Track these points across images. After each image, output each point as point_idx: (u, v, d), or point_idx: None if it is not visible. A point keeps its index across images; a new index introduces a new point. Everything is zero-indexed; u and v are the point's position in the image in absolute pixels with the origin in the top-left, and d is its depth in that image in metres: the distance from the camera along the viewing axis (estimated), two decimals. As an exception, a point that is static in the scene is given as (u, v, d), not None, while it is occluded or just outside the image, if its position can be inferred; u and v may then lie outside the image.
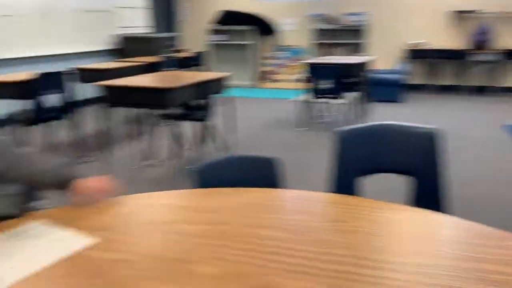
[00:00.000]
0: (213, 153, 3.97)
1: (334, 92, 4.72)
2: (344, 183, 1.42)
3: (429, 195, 1.33)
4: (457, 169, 3.68)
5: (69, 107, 3.78)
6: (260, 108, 6.44)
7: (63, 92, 3.65)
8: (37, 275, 0.89)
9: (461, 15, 7.29)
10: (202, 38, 8.86)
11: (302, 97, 5.04)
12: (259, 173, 1.38)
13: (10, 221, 1.13)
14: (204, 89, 3.52)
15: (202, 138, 3.55)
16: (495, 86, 7.19)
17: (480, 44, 7.02)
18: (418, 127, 1.40)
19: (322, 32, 8.07)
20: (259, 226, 1.10)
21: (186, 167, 3.52)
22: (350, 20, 7.83)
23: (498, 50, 6.97)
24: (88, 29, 6.55)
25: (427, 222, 1.13)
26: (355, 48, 7.94)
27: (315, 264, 0.93)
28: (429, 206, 1.23)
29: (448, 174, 3.59)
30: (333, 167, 1.42)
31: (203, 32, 8.81)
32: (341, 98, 4.77)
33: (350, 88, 5.06)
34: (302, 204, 1.24)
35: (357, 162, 1.41)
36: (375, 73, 6.87)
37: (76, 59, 6.25)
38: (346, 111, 4.95)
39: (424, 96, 7.19)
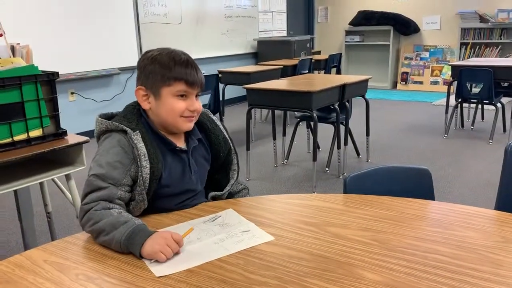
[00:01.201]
0: (351, 157, 3.94)
1: (485, 97, 4.31)
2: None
3: None
4: None
5: (217, 106, 4.12)
6: (399, 111, 6.18)
7: (214, 93, 3.98)
8: (219, 260, 1.01)
9: None
10: (338, 40, 8.82)
11: (446, 101, 4.70)
12: (412, 184, 1.35)
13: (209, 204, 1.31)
14: (345, 92, 3.52)
15: (340, 141, 3.56)
16: None
17: None
18: None
19: (471, 31, 7.40)
20: (422, 238, 1.08)
21: (342, 175, 3.56)
22: (505, 18, 7.04)
23: None
24: (232, 34, 7.02)
25: None
26: (508, 48, 7.12)
27: (485, 284, 0.89)
28: None
29: None
30: (503, 183, 1.32)
31: (339, 34, 8.77)
32: (493, 103, 4.34)
33: (504, 93, 4.58)
34: (464, 219, 1.18)
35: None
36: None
37: (221, 62, 6.74)
38: (498, 118, 4.47)
39: None
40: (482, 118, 5.28)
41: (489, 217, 1.21)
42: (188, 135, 1.31)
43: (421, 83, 7.94)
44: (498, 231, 1.12)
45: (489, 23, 7.16)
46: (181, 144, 1.29)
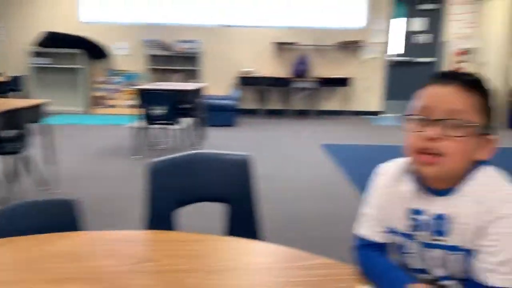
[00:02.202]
0: (30, 189, 3.51)
1: (168, 118, 4.67)
2: (160, 217, 1.35)
3: (243, 222, 1.36)
4: (279, 186, 3.96)
5: None
6: (92, 135, 6.03)
7: None
8: None
9: (283, 47, 8.05)
10: (20, 61, 7.94)
11: (136, 123, 4.86)
12: (59, 217, 1.22)
13: None
14: (17, 118, 3.10)
15: (16, 173, 3.11)
16: (313, 110, 8.08)
17: (300, 72, 7.84)
18: (231, 154, 1.42)
19: (157, 58, 8.01)
20: (63, 278, 0.95)
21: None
22: (184, 47, 7.96)
23: (315, 78, 7.88)
24: None
25: (242, 251, 1.14)
26: (190, 75, 8.09)
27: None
28: (244, 233, 1.25)
29: (267, 196, 3.81)
30: (148, 201, 1.35)
31: (20, 54, 7.90)
32: (176, 124, 4.75)
33: (185, 114, 5.08)
34: (111, 247, 1.12)
35: (173, 193, 1.36)
36: (210, 99, 7.07)
37: None
38: (182, 137, 4.94)
39: (255, 120, 7.67)
40: (170, 138, 5.73)
41: (138, 239, 1.21)
42: None
43: (115, 106, 8.04)
44: (144, 252, 1.11)
45: (172, 51, 7.93)
46: None
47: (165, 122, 4.80)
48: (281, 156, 5.11)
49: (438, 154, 0.88)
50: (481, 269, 0.86)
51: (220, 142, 5.79)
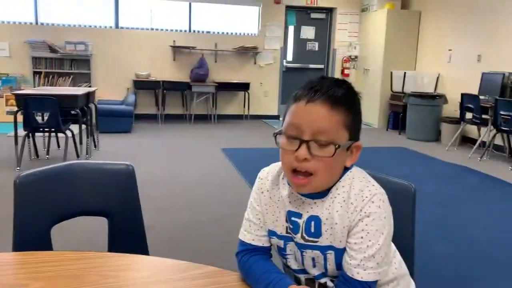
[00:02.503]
0: None
1: (54, 126, 4.32)
2: (32, 236, 1.23)
3: (125, 236, 1.29)
4: (180, 191, 3.89)
5: None
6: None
7: None
8: None
9: (181, 50, 7.96)
10: None
11: (15, 131, 4.41)
12: None
13: None
14: None
15: None
16: (213, 114, 8.10)
17: (199, 77, 7.81)
18: (111, 164, 1.34)
19: (42, 61, 7.39)
20: None
21: None
22: (72, 49, 7.46)
23: (214, 82, 7.90)
24: None
25: (122, 267, 1.07)
26: (81, 78, 7.60)
27: None
28: (126, 248, 1.18)
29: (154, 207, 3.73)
30: (16, 219, 1.21)
31: None
32: (63, 131, 4.41)
33: (73, 120, 4.75)
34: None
35: (46, 208, 1.24)
36: (103, 104, 6.71)
37: None
38: (70, 145, 4.60)
39: (152, 125, 7.46)
40: (58, 146, 5.31)
41: (5, 263, 1.07)
42: None
43: (-6, 113, 7.25)
44: (11, 278, 0.99)
45: (59, 54, 7.37)
46: None
47: (50, 130, 4.44)
48: (180, 163, 5.02)
49: (309, 173, 0.91)
50: (350, 264, 0.91)
51: (115, 150, 5.52)
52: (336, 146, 0.88)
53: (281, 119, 1.02)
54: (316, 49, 8.82)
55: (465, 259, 2.77)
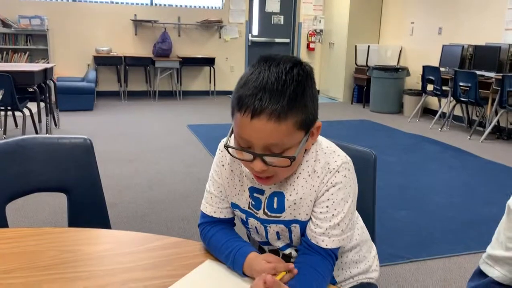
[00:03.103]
0: None
1: (8, 104, 4.13)
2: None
3: (85, 212, 1.26)
4: (151, 170, 3.84)
5: None
6: None
7: None
8: None
9: (143, 24, 7.71)
10: None
11: (-32, 111, 4.20)
12: None
13: None
14: None
15: None
16: (178, 91, 7.96)
17: (162, 52, 7.61)
18: (67, 138, 1.29)
19: (-6, 35, 7.01)
20: None
21: None
22: (28, 24, 7.09)
23: (178, 57, 7.74)
24: None
25: (84, 241, 1.04)
26: (38, 55, 7.27)
27: None
28: (86, 223, 1.15)
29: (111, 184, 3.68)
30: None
31: None
32: (20, 109, 4.23)
33: (30, 98, 4.56)
34: None
35: (1, 184, 1.19)
36: (62, 81, 6.46)
37: None
38: (28, 124, 4.43)
39: (115, 102, 7.27)
40: (16, 125, 5.11)
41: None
42: None
43: None
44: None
45: (12, 29, 7.00)
46: None
47: (6, 108, 4.24)
48: (144, 140, 4.93)
49: (270, 176, 0.89)
50: (315, 233, 0.92)
51: (76, 128, 5.36)
52: (292, 160, 0.84)
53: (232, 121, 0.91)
54: (282, 22, 8.75)
55: (424, 225, 2.88)
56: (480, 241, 2.64)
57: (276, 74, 0.82)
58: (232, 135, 0.89)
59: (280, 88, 0.81)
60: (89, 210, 1.26)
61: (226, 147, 0.89)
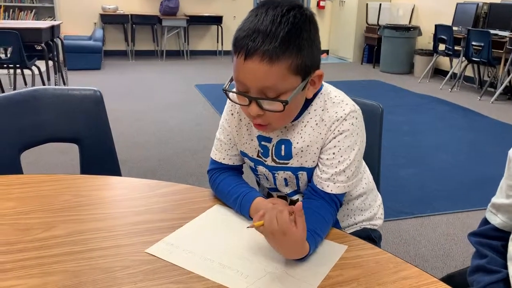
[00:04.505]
0: None
1: (17, 61, 4.14)
2: (1, 162, 1.22)
3: (97, 161, 1.29)
4: (151, 129, 3.88)
5: None
6: None
7: None
8: None
9: (149, -18, 7.54)
10: None
11: (-22, 69, 4.22)
12: None
13: None
14: None
15: None
16: (185, 50, 7.87)
17: (169, 10, 7.48)
18: (78, 89, 1.31)
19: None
20: None
21: None
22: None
23: (185, 16, 7.61)
24: None
25: (97, 187, 1.08)
26: (44, 12, 7.19)
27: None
28: (99, 172, 1.19)
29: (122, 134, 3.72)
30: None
31: None
32: (28, 67, 4.24)
33: (39, 56, 4.55)
34: None
35: (13, 135, 1.22)
36: (69, 40, 6.42)
37: None
38: (37, 82, 4.45)
39: (122, 62, 7.23)
40: (25, 83, 5.13)
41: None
42: None
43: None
44: (-28, 199, 0.99)
45: (17, -14, 6.90)
46: None
47: (15, 66, 4.25)
48: (153, 99, 4.95)
49: (267, 123, 0.89)
50: (321, 178, 0.94)
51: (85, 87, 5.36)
52: (284, 104, 0.83)
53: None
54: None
55: (429, 182, 2.91)
56: (483, 198, 2.65)
57: (272, 16, 0.81)
58: (233, 82, 0.90)
59: (273, 29, 0.80)
60: (100, 160, 1.30)
61: (224, 90, 0.90)
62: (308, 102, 0.94)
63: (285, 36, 0.80)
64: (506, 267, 0.86)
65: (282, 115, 0.87)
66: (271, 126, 0.91)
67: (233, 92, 0.89)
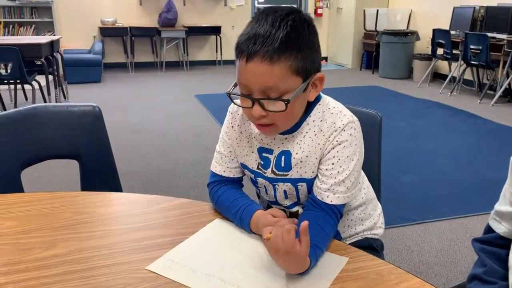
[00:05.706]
0: None
1: (18, 77, 4.16)
2: (2, 180, 1.22)
3: (97, 177, 1.29)
4: (150, 140, 3.88)
5: None
6: None
7: None
8: None
9: (147, -6, 7.60)
10: None
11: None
12: None
13: None
14: None
15: None
16: (185, 61, 7.91)
17: (168, 21, 7.53)
18: (77, 106, 1.32)
19: (0, 10, 6.98)
20: None
21: None
22: (31, -4, 7.03)
23: (183, 27, 7.65)
24: None
25: (97, 204, 1.08)
26: (43, 27, 7.25)
27: None
28: (99, 188, 1.19)
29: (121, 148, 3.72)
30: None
31: None
32: (28, 82, 4.26)
33: (39, 71, 4.58)
34: None
35: (12, 153, 1.23)
36: (69, 54, 6.46)
37: None
38: (38, 97, 4.47)
39: (122, 74, 7.27)
40: (26, 98, 5.16)
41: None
42: None
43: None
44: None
45: (17, 1, 6.96)
46: None
47: (15, 81, 4.28)
48: (153, 111, 4.96)
49: (270, 124, 0.91)
50: (320, 189, 0.94)
51: (85, 100, 5.37)
52: (286, 102, 0.85)
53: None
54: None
55: (431, 187, 2.91)
56: (486, 203, 2.66)
57: (272, 20, 0.85)
58: (237, 87, 0.91)
59: (273, 32, 0.83)
60: (101, 176, 1.30)
61: (228, 94, 0.92)
62: (306, 113, 0.95)
63: (284, 38, 0.83)
64: (505, 278, 0.85)
65: (285, 115, 0.88)
66: (276, 126, 0.92)
67: (236, 95, 0.90)
